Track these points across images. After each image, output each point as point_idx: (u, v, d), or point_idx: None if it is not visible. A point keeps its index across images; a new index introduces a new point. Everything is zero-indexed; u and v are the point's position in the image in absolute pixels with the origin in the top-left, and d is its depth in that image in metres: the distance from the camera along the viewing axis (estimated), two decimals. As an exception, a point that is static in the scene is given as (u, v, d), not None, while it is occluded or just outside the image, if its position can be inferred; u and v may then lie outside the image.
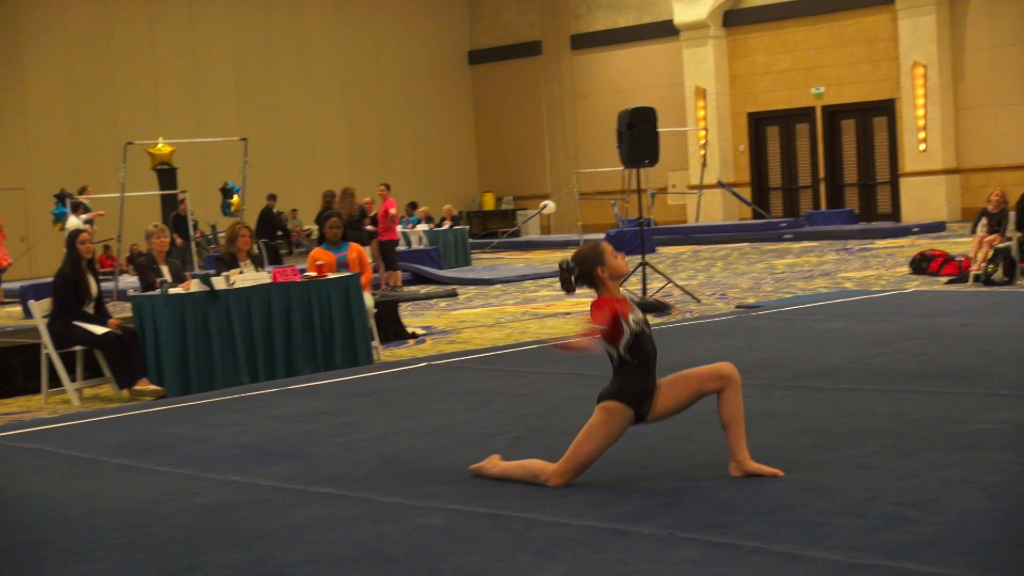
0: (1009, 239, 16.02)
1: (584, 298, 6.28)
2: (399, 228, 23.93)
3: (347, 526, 5.68)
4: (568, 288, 6.20)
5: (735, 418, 6.07)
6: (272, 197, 27.53)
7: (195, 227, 28.32)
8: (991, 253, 16.11)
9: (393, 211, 21.39)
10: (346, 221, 18.50)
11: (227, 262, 11.84)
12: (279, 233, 28.35)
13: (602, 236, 28.82)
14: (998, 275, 15.94)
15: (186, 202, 27.38)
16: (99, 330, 10.87)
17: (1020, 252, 15.78)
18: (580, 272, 6.15)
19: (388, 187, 22.29)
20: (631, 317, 6.06)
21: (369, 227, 21.04)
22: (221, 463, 7.23)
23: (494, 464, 6.39)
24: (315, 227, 24.05)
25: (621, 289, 6.26)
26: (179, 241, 25.71)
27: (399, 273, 21.26)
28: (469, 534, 5.44)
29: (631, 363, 6.04)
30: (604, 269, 6.10)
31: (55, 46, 32.32)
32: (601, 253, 6.13)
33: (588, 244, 6.28)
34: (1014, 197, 16.88)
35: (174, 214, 26.74)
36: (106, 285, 19.13)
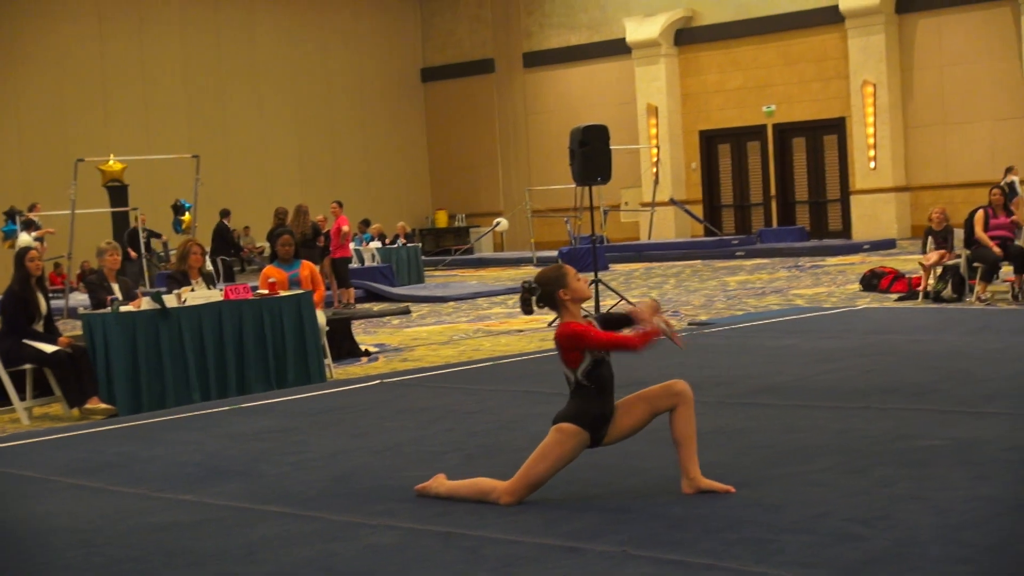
0: (958, 256, 16.15)
1: (540, 316, 6.29)
2: (352, 245, 23.89)
3: (299, 545, 5.66)
4: (527, 309, 6.21)
5: (687, 435, 6.08)
6: (226, 213, 27.45)
7: (148, 243, 28.20)
8: (940, 270, 16.24)
9: (346, 228, 21.37)
10: (299, 239, 18.48)
11: (178, 280, 11.78)
12: (232, 250, 28.27)
13: (555, 253, 28.86)
14: (947, 292, 16.07)
15: (144, 218, 27.35)
16: (49, 348, 10.79)
17: (969, 269, 15.91)
18: (542, 293, 6.16)
19: (340, 204, 22.27)
20: None
21: (321, 244, 21.00)
22: (173, 482, 7.20)
23: (440, 483, 6.37)
24: (267, 244, 24.02)
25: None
26: (133, 255, 25.65)
27: (352, 290, 21.22)
28: (421, 552, 5.43)
29: (588, 388, 6.06)
30: (566, 291, 6.11)
31: (3, 63, 32.09)
32: (564, 275, 6.14)
33: (551, 266, 6.29)
34: (963, 215, 17.02)
35: (130, 230, 26.71)
36: (56, 303, 18.99)
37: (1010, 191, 26.76)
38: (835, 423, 7.78)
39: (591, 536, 5.48)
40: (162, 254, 29.29)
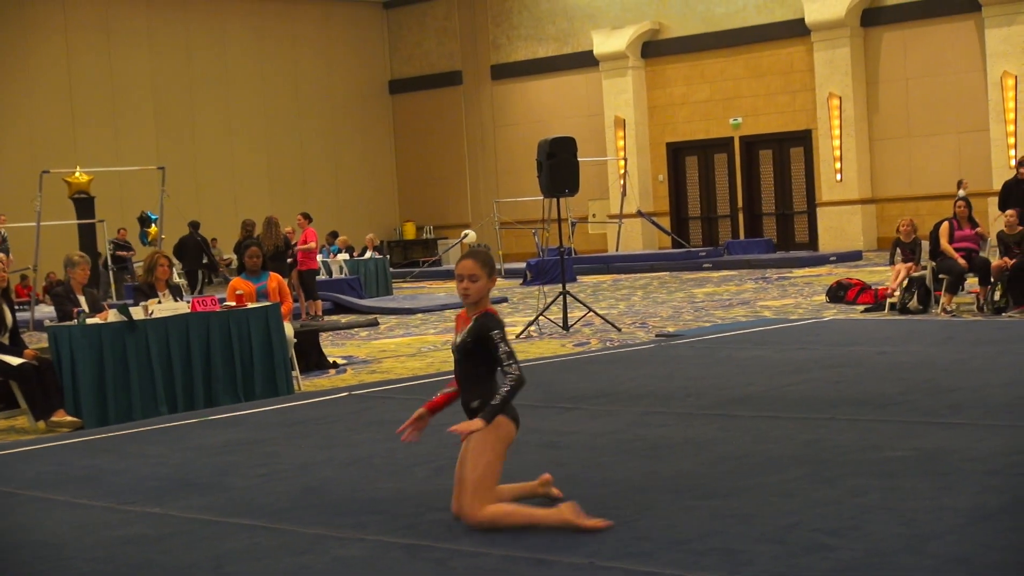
0: (924, 268, 16.24)
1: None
2: (320, 258, 23.83)
3: (267, 558, 5.64)
4: None
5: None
6: (195, 224, 27.44)
7: (118, 255, 28.16)
8: (906, 282, 16.33)
9: (312, 244, 21.27)
10: (271, 251, 18.44)
11: (145, 292, 11.73)
12: (204, 261, 28.22)
13: (523, 265, 28.88)
14: (913, 303, 16.15)
15: (124, 232, 27.34)
16: (15, 361, 10.72)
17: (935, 281, 16.00)
18: None
19: (307, 217, 22.16)
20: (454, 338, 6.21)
21: (289, 260, 20.94)
22: (140, 495, 7.16)
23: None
24: (235, 256, 24.00)
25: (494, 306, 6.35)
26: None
27: (319, 303, 21.17)
28: (390, 565, 5.42)
29: None
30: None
31: (-30, 74, 31.97)
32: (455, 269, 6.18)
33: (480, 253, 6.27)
34: (929, 227, 17.12)
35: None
36: (22, 315, 18.88)
37: None
38: (804, 434, 7.81)
39: (559, 549, 5.47)
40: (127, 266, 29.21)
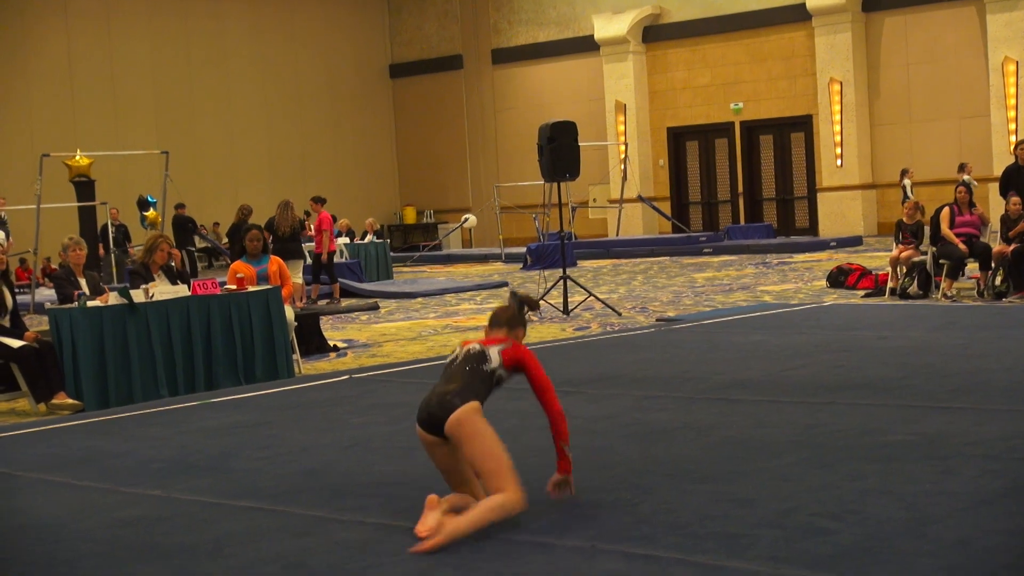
0: (924, 253, 16.23)
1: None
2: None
3: (268, 540, 5.64)
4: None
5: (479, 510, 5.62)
6: (180, 206, 27.38)
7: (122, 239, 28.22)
8: (905, 268, 16.33)
9: (325, 228, 21.10)
10: (288, 233, 18.57)
11: (140, 273, 11.68)
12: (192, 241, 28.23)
13: (523, 250, 28.87)
14: (913, 288, 16.15)
15: (115, 212, 27.34)
16: (15, 343, 10.72)
17: (935, 266, 15.99)
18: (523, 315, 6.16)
19: (319, 200, 21.97)
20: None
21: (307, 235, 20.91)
22: (140, 477, 7.17)
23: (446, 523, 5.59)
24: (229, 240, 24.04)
25: None
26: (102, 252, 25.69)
27: (317, 286, 21.12)
28: (391, 548, 5.42)
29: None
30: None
31: (-30, 56, 31.90)
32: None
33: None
34: (929, 212, 17.10)
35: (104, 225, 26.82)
36: (22, 298, 18.89)
37: (904, 195, 27.29)
38: (804, 418, 7.81)
39: (560, 532, 5.48)
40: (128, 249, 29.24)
